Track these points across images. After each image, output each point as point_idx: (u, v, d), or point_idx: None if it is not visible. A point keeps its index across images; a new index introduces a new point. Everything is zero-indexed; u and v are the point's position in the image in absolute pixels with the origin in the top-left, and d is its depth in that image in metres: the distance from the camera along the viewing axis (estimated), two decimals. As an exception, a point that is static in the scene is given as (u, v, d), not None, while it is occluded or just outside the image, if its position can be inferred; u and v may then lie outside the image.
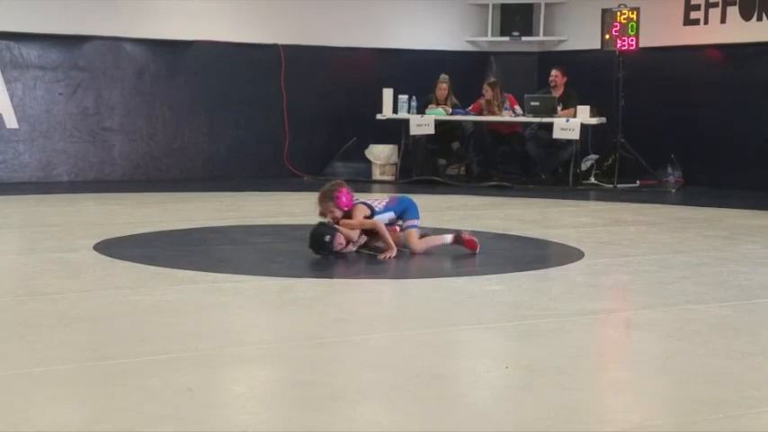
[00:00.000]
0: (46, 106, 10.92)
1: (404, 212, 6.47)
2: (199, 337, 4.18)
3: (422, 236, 6.50)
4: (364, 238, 6.44)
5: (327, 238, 6.19)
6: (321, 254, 6.21)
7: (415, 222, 6.47)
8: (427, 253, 6.39)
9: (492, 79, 11.89)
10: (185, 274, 5.63)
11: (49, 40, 10.94)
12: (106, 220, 7.91)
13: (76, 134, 11.09)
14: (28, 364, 3.73)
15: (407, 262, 6.26)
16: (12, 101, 10.76)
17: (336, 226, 6.28)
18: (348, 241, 6.32)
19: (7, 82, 10.73)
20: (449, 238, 6.49)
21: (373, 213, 6.35)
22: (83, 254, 6.22)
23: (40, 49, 10.91)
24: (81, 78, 11.12)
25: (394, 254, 6.21)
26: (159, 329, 4.35)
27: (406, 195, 6.73)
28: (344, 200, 6.32)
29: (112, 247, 6.46)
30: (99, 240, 6.68)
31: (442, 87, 11.73)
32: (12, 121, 10.78)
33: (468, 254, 6.45)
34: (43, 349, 3.97)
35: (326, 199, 6.34)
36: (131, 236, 7.03)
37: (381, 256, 6.21)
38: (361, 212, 6.32)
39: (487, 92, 11.59)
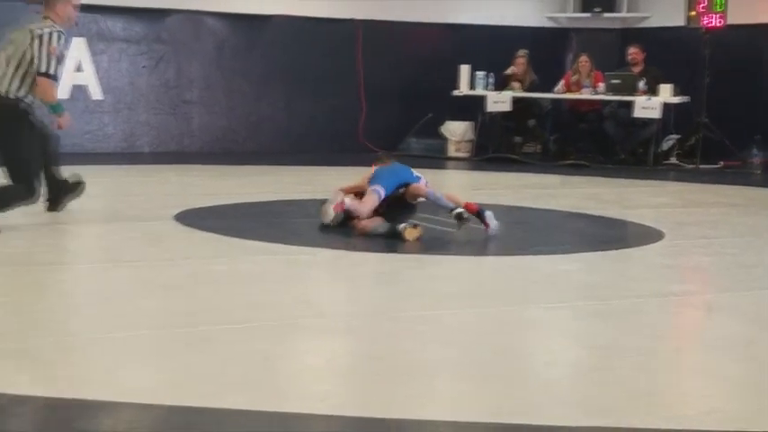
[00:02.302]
0: (130, 78, 11.12)
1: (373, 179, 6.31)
2: (277, 308, 4.24)
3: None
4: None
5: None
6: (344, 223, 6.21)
7: (375, 187, 6.17)
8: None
9: (589, 53, 11.68)
10: (262, 246, 5.71)
11: (134, 13, 11.11)
12: (186, 191, 8.05)
13: (158, 106, 11.28)
14: (113, 329, 3.82)
15: (481, 239, 6.24)
16: (97, 73, 10.98)
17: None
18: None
19: (93, 54, 10.95)
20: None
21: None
22: (164, 224, 6.34)
23: (125, 22, 11.10)
24: (163, 51, 11.29)
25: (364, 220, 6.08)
26: (238, 299, 4.42)
27: (385, 167, 6.42)
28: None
29: (192, 218, 6.57)
30: (179, 211, 6.80)
31: (521, 62, 11.62)
32: (97, 93, 11.01)
33: (541, 231, 6.40)
34: (128, 315, 4.07)
35: None
36: (210, 207, 7.14)
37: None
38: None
39: (586, 64, 11.43)
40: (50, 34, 5.97)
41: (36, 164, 6.04)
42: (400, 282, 5.00)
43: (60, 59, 6.07)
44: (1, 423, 2.79)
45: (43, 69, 5.90)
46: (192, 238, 5.91)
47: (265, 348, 3.62)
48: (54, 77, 6.01)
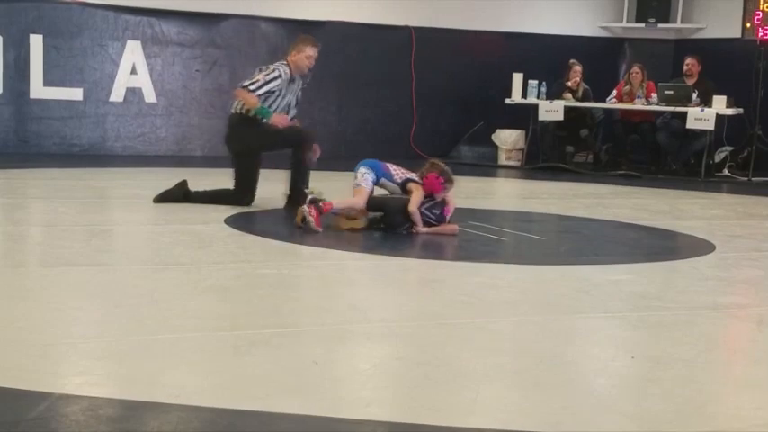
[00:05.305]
0: (183, 82, 11.25)
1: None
2: (324, 312, 4.26)
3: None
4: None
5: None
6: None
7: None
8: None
9: (640, 63, 11.60)
10: (311, 251, 5.73)
11: (189, 17, 11.25)
12: (236, 195, 8.07)
13: (211, 110, 11.38)
14: (161, 331, 3.86)
15: (531, 248, 6.21)
16: (151, 76, 11.13)
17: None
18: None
19: (147, 57, 11.10)
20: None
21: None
22: (214, 227, 6.40)
23: (179, 26, 11.24)
24: (217, 56, 11.40)
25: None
26: (287, 303, 4.44)
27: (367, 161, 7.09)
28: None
29: (242, 221, 6.63)
30: (229, 214, 6.86)
31: (576, 70, 11.54)
32: (151, 96, 11.16)
33: (591, 241, 6.34)
34: (176, 317, 4.10)
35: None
36: (260, 211, 7.20)
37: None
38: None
39: (637, 75, 11.34)
40: (272, 69, 7.21)
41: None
42: (449, 288, 4.99)
43: (269, 90, 7.15)
44: (48, 422, 2.82)
45: (244, 84, 7.18)
46: (241, 242, 5.95)
47: (313, 353, 3.63)
48: (252, 92, 7.08)
